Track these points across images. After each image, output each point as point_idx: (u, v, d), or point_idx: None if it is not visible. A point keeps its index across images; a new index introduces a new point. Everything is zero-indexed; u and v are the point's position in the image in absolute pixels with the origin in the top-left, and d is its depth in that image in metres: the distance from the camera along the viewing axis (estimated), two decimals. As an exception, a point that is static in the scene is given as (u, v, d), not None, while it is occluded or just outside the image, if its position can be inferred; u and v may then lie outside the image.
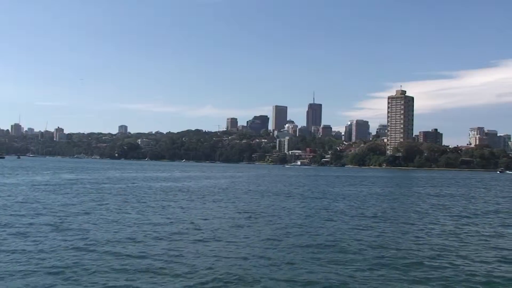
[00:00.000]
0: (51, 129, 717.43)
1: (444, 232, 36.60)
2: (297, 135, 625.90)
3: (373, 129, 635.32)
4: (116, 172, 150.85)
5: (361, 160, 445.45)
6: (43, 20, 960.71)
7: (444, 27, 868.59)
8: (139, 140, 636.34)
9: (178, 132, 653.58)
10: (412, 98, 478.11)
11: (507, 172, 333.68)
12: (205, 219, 40.20)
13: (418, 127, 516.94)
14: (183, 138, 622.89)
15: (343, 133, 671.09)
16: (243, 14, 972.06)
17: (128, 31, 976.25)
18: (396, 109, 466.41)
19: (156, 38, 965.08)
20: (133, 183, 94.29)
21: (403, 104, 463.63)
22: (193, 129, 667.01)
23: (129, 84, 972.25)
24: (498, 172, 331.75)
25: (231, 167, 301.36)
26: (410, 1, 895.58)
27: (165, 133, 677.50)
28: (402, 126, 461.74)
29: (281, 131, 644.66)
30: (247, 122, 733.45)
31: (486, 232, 37.70)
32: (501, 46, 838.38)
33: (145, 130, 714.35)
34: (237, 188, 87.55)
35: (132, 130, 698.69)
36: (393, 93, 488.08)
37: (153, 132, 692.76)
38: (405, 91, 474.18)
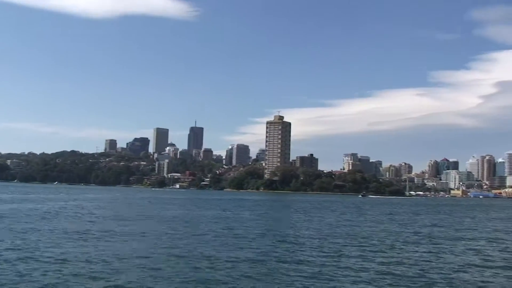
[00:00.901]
0: None
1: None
2: (178, 158, 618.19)
3: (253, 154, 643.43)
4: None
5: (239, 184, 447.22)
6: None
7: (326, 56, 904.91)
8: (9, 161, 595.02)
9: (52, 153, 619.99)
10: (289, 124, 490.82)
11: (369, 196, 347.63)
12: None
13: (297, 152, 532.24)
14: (57, 160, 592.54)
15: (224, 157, 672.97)
16: (125, 33, 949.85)
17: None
18: (274, 134, 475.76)
19: (31, 55, 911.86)
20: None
21: (281, 129, 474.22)
22: (69, 150, 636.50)
23: (6, 102, 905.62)
24: (360, 196, 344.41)
25: (102, 190, 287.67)
26: (294, 31, 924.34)
27: (38, 154, 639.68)
28: (279, 150, 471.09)
29: (162, 154, 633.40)
30: (127, 144, 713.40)
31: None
32: (376, 78, 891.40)
33: (18, 150, 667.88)
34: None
35: (3, 150, 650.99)
36: (273, 118, 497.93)
37: (26, 153, 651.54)
38: (283, 117, 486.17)
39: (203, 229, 55.94)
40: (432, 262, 36.10)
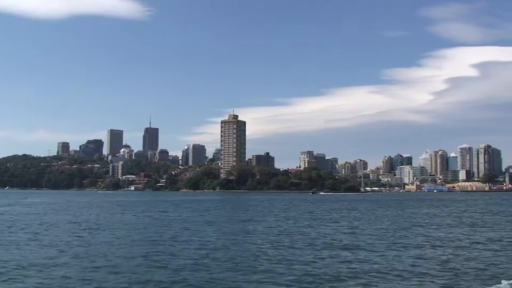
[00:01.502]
0: None
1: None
2: (133, 159, 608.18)
3: (210, 154, 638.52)
4: None
5: (195, 184, 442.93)
6: None
7: (280, 55, 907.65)
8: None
9: (3, 158, 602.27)
10: (244, 123, 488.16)
11: (320, 193, 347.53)
12: None
13: (254, 151, 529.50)
14: (8, 164, 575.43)
15: (180, 158, 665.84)
16: (75, 34, 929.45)
17: None
18: (229, 133, 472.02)
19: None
20: None
21: (236, 128, 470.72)
22: (21, 154, 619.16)
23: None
24: (311, 193, 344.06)
25: (50, 194, 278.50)
26: (249, 30, 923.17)
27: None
28: (235, 150, 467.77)
29: (116, 156, 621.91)
30: (80, 146, 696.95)
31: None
32: (330, 76, 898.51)
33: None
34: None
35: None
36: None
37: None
38: (237, 116, 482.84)
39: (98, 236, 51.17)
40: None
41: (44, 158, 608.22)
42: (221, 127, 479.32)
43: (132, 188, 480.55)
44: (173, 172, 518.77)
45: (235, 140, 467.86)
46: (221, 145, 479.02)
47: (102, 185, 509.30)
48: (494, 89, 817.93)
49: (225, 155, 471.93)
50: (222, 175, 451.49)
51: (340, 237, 49.58)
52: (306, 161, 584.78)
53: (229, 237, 49.62)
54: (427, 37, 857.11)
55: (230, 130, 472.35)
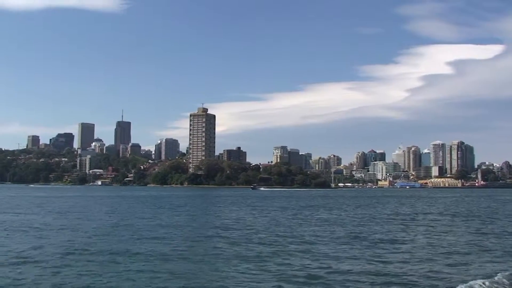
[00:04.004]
0: None
1: None
2: (104, 154, 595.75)
3: (183, 148, 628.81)
4: None
5: (163, 179, 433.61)
6: None
7: (257, 50, 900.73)
8: None
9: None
10: (214, 116, 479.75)
11: (260, 188, 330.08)
12: None
13: (228, 147, 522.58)
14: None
15: (153, 152, 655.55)
16: (48, 26, 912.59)
17: None
18: (197, 127, 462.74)
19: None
20: None
21: (205, 122, 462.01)
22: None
23: None
24: (251, 188, 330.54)
25: (8, 189, 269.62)
26: (225, 24, 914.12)
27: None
28: (203, 144, 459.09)
29: (86, 150, 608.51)
30: (50, 140, 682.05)
31: None
32: (307, 71, 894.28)
33: None
34: None
35: None
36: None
37: None
38: (207, 109, 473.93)
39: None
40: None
41: (12, 151, 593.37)
42: (190, 120, 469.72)
43: (99, 182, 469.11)
44: (141, 167, 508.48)
45: (204, 134, 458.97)
46: (190, 139, 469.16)
47: (69, 179, 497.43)
48: (468, 86, 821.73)
49: (194, 149, 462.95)
50: (190, 170, 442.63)
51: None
52: (279, 156, 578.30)
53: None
54: (403, 35, 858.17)
55: (199, 124, 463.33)
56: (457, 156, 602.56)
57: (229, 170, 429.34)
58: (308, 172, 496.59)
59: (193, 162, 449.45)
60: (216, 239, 41.85)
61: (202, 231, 49.34)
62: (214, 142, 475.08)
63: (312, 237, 44.11)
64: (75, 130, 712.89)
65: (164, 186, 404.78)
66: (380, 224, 59.13)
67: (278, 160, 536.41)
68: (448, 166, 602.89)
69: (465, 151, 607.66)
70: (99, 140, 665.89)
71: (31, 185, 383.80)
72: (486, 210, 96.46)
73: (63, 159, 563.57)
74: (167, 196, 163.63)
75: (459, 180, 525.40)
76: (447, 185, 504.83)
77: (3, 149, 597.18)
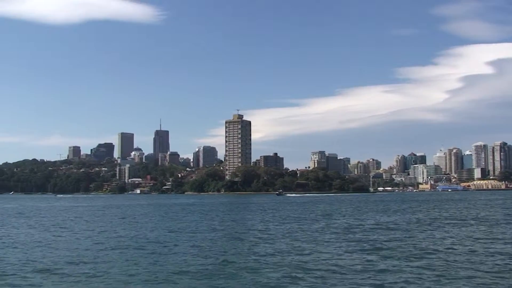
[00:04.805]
0: None
1: None
2: (143, 162, 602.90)
3: (221, 156, 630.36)
4: None
5: (200, 187, 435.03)
6: None
7: (293, 55, 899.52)
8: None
9: (13, 163, 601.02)
10: (250, 123, 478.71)
11: (287, 194, 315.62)
12: None
13: (265, 153, 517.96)
14: (15, 169, 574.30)
15: (192, 160, 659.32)
16: (87, 38, 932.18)
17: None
18: (233, 134, 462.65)
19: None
20: None
21: (240, 129, 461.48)
22: (30, 159, 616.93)
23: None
24: (276, 194, 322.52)
25: (43, 199, 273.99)
26: (262, 32, 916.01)
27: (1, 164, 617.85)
28: (240, 150, 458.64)
29: (126, 159, 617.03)
30: (91, 150, 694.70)
31: None
32: (344, 76, 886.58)
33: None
34: None
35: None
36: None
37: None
38: (242, 116, 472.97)
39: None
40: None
41: (54, 162, 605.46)
42: (226, 127, 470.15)
43: (138, 191, 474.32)
44: (179, 175, 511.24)
45: (239, 141, 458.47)
46: (226, 146, 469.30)
47: (108, 188, 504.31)
48: (510, 86, 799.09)
49: (230, 156, 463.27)
50: (227, 177, 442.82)
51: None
52: (316, 161, 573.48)
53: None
54: (441, 35, 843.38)
55: (234, 130, 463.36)
56: (500, 157, 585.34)
57: (265, 176, 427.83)
58: (346, 176, 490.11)
59: (230, 169, 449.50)
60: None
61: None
62: (250, 149, 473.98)
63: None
64: (115, 140, 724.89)
65: (201, 193, 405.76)
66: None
67: (316, 166, 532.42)
68: (490, 167, 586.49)
69: (508, 152, 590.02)
70: (138, 149, 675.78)
71: (59, 195, 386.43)
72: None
73: (103, 168, 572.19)
74: (192, 204, 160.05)
75: (503, 182, 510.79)
76: (490, 187, 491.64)
77: (45, 160, 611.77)
